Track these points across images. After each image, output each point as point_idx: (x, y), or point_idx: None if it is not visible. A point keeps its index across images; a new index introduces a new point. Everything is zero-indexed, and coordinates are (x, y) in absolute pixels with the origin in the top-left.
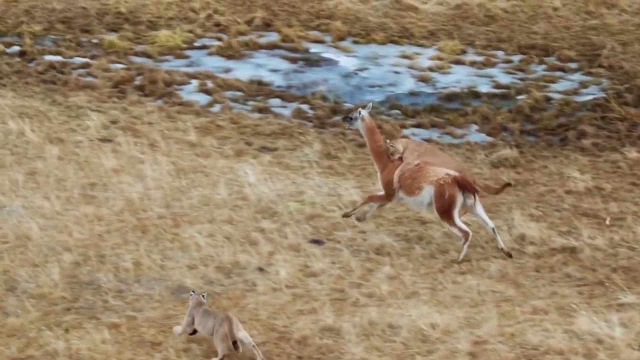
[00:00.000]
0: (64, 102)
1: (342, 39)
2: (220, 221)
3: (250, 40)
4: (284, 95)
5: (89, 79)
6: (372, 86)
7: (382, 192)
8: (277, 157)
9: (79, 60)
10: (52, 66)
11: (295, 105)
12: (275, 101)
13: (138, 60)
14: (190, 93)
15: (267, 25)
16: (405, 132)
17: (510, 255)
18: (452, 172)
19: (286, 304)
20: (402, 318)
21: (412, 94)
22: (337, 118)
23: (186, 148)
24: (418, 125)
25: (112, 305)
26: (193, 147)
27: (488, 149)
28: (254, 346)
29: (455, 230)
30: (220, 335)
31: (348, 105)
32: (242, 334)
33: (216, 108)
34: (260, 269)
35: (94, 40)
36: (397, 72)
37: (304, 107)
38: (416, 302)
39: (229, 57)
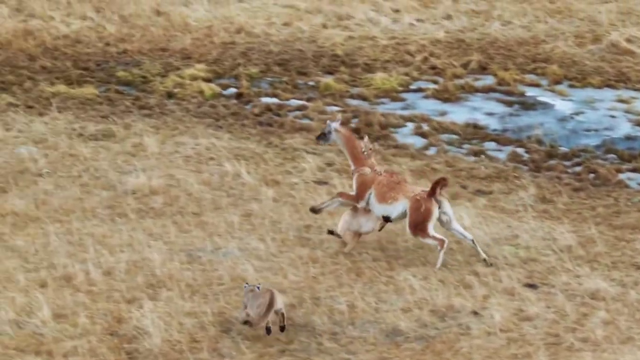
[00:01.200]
0: (280, 144)
1: (558, 82)
2: (435, 264)
3: (466, 83)
4: (500, 139)
5: (305, 121)
6: (588, 130)
7: (353, 192)
8: (492, 200)
9: (295, 102)
10: (268, 108)
11: (510, 148)
12: (491, 144)
13: (354, 102)
14: (405, 136)
15: (482, 69)
16: (622, 176)
17: (491, 265)
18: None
19: (500, 348)
20: None
21: (629, 138)
22: (552, 162)
23: None
24: (634, 170)
25: (327, 348)
26: None
27: None
28: (282, 314)
29: (430, 241)
30: (257, 303)
31: (563, 149)
32: (278, 306)
33: (431, 151)
34: (475, 313)
35: (310, 83)
36: (613, 116)
37: (520, 150)
38: (631, 348)
39: (445, 100)
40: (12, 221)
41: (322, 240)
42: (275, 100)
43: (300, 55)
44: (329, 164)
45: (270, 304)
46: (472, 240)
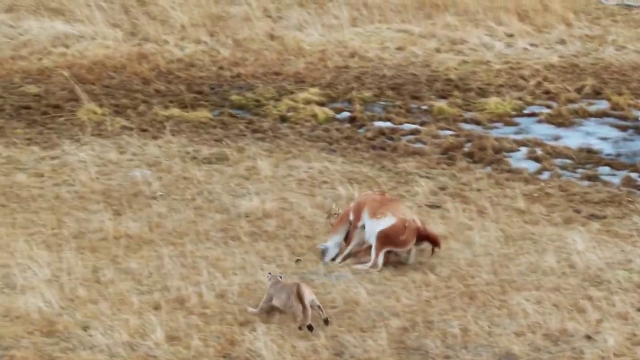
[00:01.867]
0: (393, 168)
1: None
2: (548, 288)
3: (580, 107)
4: (613, 164)
5: (418, 145)
6: None
7: None
8: (605, 225)
9: (408, 126)
10: (381, 132)
11: (624, 173)
12: (605, 169)
13: (467, 127)
14: (519, 160)
15: (596, 93)
16: None
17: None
18: (418, 222)
19: None
20: None
21: None
22: None
23: (514, 215)
24: None
25: None
26: (521, 214)
27: None
28: (319, 306)
29: (373, 257)
30: (284, 294)
31: None
32: (309, 297)
33: (545, 175)
34: (588, 337)
35: (424, 107)
36: None
37: (634, 175)
38: None
39: (559, 124)
40: (125, 244)
41: (434, 263)
42: (388, 124)
43: (414, 80)
44: (442, 188)
45: (299, 294)
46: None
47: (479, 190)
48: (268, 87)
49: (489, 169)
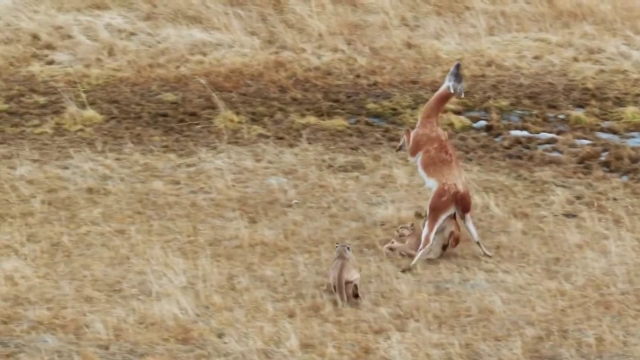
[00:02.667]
0: (529, 177)
1: None
2: None
3: None
4: None
5: (555, 154)
6: None
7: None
8: None
9: (544, 135)
10: (518, 141)
11: None
12: None
13: (604, 136)
14: None
15: None
16: None
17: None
18: (459, 187)
19: None
20: None
21: None
22: None
23: None
24: None
25: None
26: None
27: None
28: (355, 285)
29: (425, 231)
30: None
31: None
32: (354, 276)
33: None
34: None
35: (560, 116)
36: None
37: None
38: None
39: None
40: (261, 251)
41: (569, 273)
42: (525, 133)
43: (551, 89)
44: (579, 197)
45: (341, 274)
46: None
47: (615, 199)
48: (405, 96)
49: (625, 178)
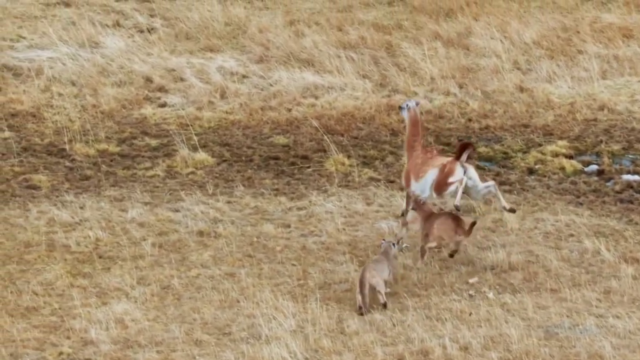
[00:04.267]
0: None
1: None
2: None
3: None
4: None
5: None
6: None
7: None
8: None
9: None
10: (629, 185)
11: None
12: None
13: None
14: None
15: None
16: None
17: (513, 211)
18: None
19: None
20: None
21: None
22: None
23: None
24: None
25: None
26: None
27: None
28: (379, 292)
29: (446, 196)
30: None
31: None
32: (375, 280)
33: None
34: None
35: None
36: None
37: None
38: None
39: None
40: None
41: None
42: (636, 177)
43: None
44: None
45: (363, 278)
46: (494, 186)
47: None
48: (516, 140)
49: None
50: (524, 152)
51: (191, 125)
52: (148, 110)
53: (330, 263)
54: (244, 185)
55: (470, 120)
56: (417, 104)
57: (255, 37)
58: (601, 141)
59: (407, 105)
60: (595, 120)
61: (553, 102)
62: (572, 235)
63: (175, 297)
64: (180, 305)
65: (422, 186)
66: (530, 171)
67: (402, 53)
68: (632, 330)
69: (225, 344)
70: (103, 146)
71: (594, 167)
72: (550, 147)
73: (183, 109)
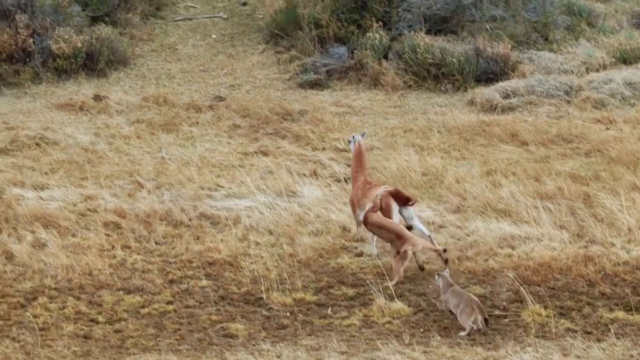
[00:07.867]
0: None
1: None
2: None
3: None
4: None
5: None
6: None
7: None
8: None
9: None
10: None
11: None
12: None
13: None
14: None
15: None
16: None
17: (446, 262)
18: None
19: None
20: None
21: None
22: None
23: None
24: None
25: None
26: None
27: None
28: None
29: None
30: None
31: None
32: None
33: None
34: None
35: None
36: None
37: None
38: None
39: None
40: None
41: None
42: None
43: None
44: None
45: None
46: (429, 236)
47: None
48: None
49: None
50: None
51: (387, 275)
52: (345, 259)
53: None
54: (440, 335)
55: None
56: (363, 135)
57: (452, 187)
58: None
59: (353, 137)
60: None
61: None
62: None
63: None
64: None
65: (362, 215)
66: None
67: (600, 204)
68: None
69: None
70: (300, 295)
71: None
72: None
73: (379, 259)
